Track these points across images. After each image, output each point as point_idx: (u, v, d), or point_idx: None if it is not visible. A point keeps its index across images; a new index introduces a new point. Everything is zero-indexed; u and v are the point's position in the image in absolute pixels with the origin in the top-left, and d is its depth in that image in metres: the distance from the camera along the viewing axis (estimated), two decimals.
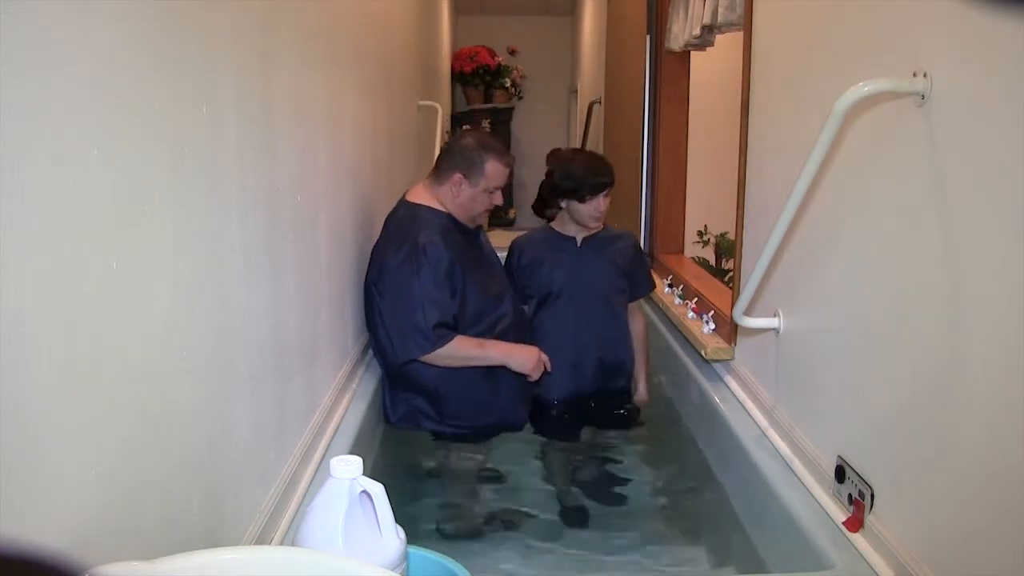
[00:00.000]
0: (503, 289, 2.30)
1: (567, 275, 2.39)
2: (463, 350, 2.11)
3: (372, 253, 2.23)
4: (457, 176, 2.17)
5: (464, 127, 5.69)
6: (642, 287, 2.52)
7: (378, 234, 2.51)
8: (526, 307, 2.41)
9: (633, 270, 2.47)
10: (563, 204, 2.38)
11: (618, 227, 2.59)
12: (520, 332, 2.33)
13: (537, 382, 2.26)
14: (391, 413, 2.23)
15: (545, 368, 2.22)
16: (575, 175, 2.33)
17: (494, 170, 2.18)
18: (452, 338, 2.09)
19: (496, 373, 2.19)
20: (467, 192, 2.18)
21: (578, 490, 2.18)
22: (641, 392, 2.50)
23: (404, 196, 2.29)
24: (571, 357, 2.38)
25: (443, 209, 2.20)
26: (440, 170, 2.21)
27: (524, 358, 2.19)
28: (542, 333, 2.38)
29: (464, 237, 2.22)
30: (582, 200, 2.33)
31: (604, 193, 2.32)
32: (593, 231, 2.43)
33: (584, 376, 2.40)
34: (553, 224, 2.48)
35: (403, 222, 2.17)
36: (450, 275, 2.11)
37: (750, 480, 1.83)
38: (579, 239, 2.42)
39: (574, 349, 2.38)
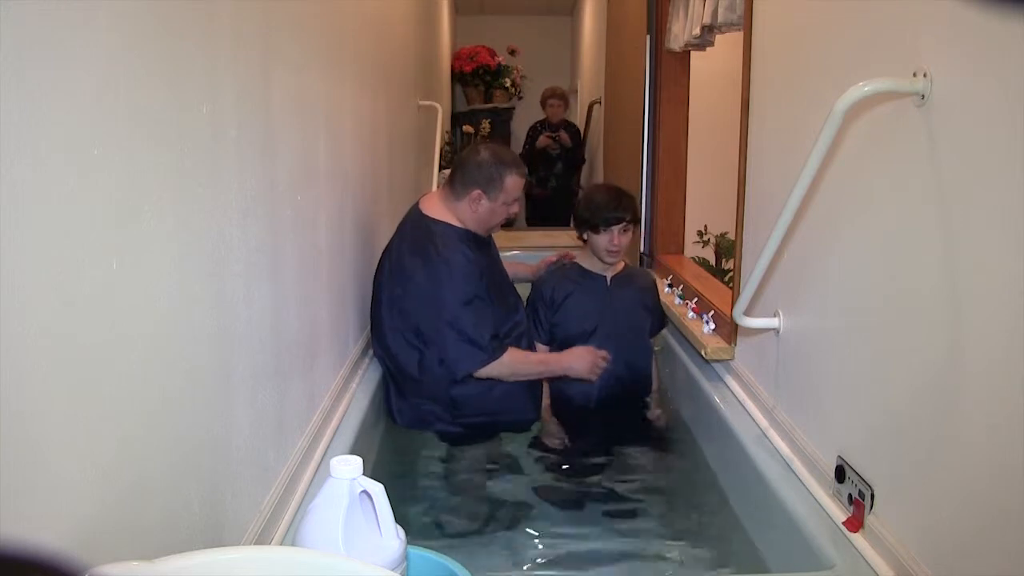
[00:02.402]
0: (517, 298, 2.36)
1: (599, 311, 2.41)
2: (521, 365, 2.18)
3: (387, 264, 2.24)
4: (476, 192, 2.20)
5: (472, 135, 5.69)
6: (659, 325, 2.59)
7: (379, 234, 2.52)
8: (548, 347, 2.43)
9: (655, 308, 2.55)
10: (585, 236, 2.42)
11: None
12: (530, 337, 2.35)
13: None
14: (399, 418, 2.25)
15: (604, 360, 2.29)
16: (593, 206, 2.36)
17: (513, 184, 2.23)
18: (505, 350, 2.14)
19: None
20: (486, 207, 2.22)
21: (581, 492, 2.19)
22: (654, 410, 2.52)
23: (418, 205, 2.30)
24: (606, 390, 2.41)
25: (460, 224, 2.23)
26: (456, 185, 2.24)
27: (581, 362, 2.25)
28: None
29: (480, 250, 2.26)
30: (597, 231, 2.35)
31: (620, 228, 2.33)
32: (617, 269, 2.47)
33: (614, 406, 2.44)
34: (578, 260, 2.51)
35: (427, 239, 2.18)
36: (486, 288, 2.16)
37: (750, 480, 1.83)
38: (608, 277, 2.45)
39: (611, 382, 2.41)
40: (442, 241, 2.16)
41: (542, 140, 5.69)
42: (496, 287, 2.25)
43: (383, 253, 2.29)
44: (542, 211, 5.81)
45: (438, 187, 3.59)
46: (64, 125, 0.75)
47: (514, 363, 2.17)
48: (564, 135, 5.69)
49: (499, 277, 2.32)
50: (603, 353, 2.27)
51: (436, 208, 2.26)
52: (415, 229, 2.24)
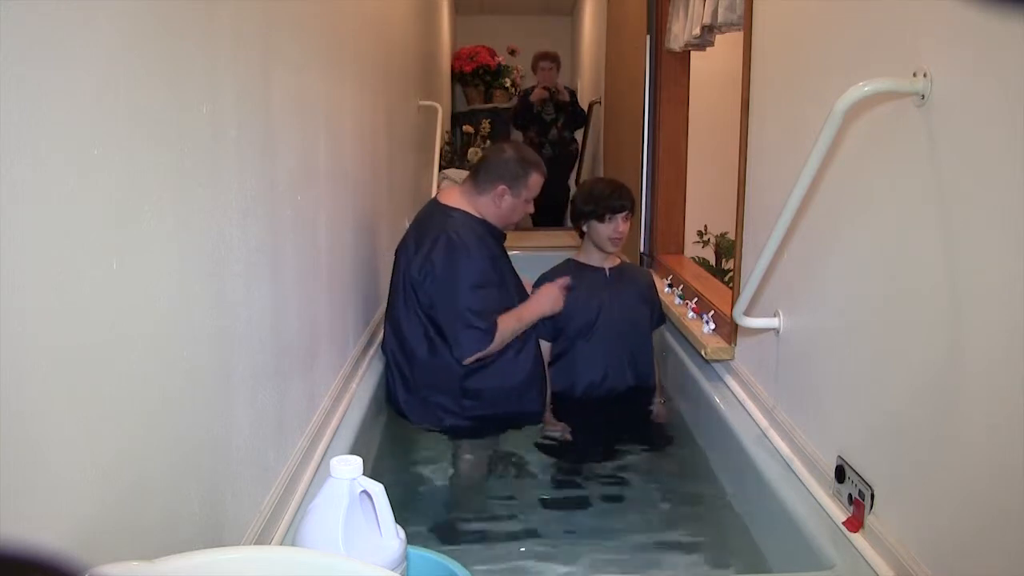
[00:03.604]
0: (525, 295, 2.41)
1: (602, 303, 2.44)
2: (508, 329, 2.24)
3: (403, 254, 2.28)
4: (501, 188, 2.29)
5: (472, 135, 5.65)
6: (658, 320, 2.62)
7: (379, 234, 2.53)
8: (552, 343, 2.47)
9: (653, 303, 2.58)
10: (584, 228, 2.46)
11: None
12: (535, 337, 2.38)
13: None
14: (409, 414, 2.27)
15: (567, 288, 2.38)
16: (595, 196, 2.42)
17: (535, 182, 2.34)
18: (496, 328, 2.21)
19: (518, 364, 2.27)
20: (509, 202, 2.31)
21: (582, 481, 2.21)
22: (657, 405, 2.53)
23: (437, 199, 2.38)
24: (611, 382, 2.44)
25: (479, 216, 2.30)
26: (480, 180, 2.31)
27: (545, 303, 2.35)
28: (583, 363, 2.44)
29: (495, 244, 2.33)
30: (601, 220, 2.40)
31: (623, 216, 2.40)
32: (613, 261, 2.51)
33: (618, 403, 2.45)
34: (577, 256, 2.54)
35: (445, 224, 2.24)
36: (496, 277, 2.24)
37: (750, 480, 1.83)
38: (607, 269, 2.49)
39: (615, 374, 2.44)
40: (461, 226, 2.23)
41: (537, 92, 5.40)
42: (505, 281, 2.30)
43: (399, 244, 2.34)
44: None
45: (438, 187, 3.61)
46: (64, 125, 0.75)
47: (500, 332, 2.23)
48: (562, 88, 5.44)
49: (509, 274, 2.37)
50: (560, 283, 2.37)
51: (455, 199, 2.33)
52: (433, 217, 2.30)
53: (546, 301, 2.34)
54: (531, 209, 2.40)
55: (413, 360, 2.24)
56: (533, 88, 5.58)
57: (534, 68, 5.55)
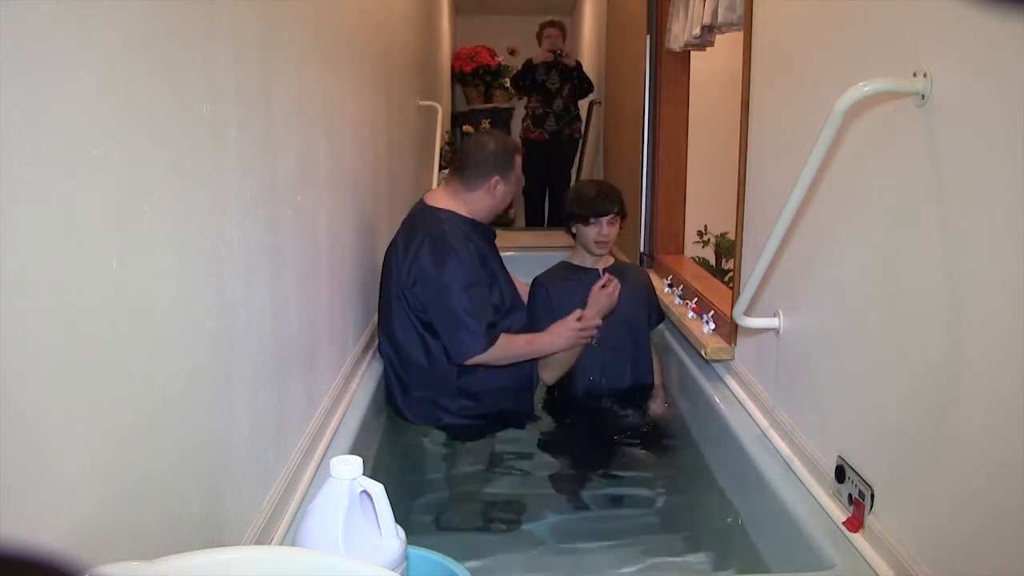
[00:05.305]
0: (515, 296, 2.41)
1: None
2: (510, 348, 2.23)
3: (393, 256, 2.28)
4: (495, 179, 2.31)
5: (469, 128, 5.64)
6: (656, 319, 2.63)
7: (379, 234, 2.54)
8: None
9: (651, 302, 2.60)
10: (574, 230, 2.48)
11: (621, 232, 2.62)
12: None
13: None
14: (408, 412, 2.28)
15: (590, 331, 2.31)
16: (582, 199, 2.45)
17: (519, 162, 2.39)
18: (499, 336, 2.20)
19: (514, 364, 2.27)
20: (502, 191, 2.34)
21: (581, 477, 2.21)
22: (657, 406, 2.53)
23: (424, 200, 2.38)
24: (609, 383, 2.45)
25: (467, 215, 2.31)
26: (469, 176, 2.31)
27: (561, 338, 2.29)
28: (581, 364, 2.44)
29: (484, 242, 2.33)
30: (586, 223, 2.42)
31: (608, 219, 2.41)
32: (606, 262, 2.53)
33: (617, 403, 2.46)
34: (570, 259, 2.56)
35: (434, 226, 2.24)
36: (486, 278, 2.24)
37: (750, 480, 1.83)
38: (600, 270, 2.49)
39: (613, 374, 2.45)
40: (449, 228, 2.23)
41: (541, 53, 5.29)
42: (496, 280, 2.30)
43: (389, 247, 2.33)
44: (540, 159, 5.30)
45: (439, 185, 3.60)
46: (64, 125, 0.75)
47: (505, 347, 2.22)
48: (568, 52, 5.30)
49: (500, 272, 2.37)
50: (576, 315, 2.29)
51: (442, 200, 2.33)
52: (421, 218, 2.30)
53: (562, 338, 2.29)
54: (520, 184, 2.45)
55: (408, 363, 2.24)
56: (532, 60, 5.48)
57: (539, 37, 5.45)
